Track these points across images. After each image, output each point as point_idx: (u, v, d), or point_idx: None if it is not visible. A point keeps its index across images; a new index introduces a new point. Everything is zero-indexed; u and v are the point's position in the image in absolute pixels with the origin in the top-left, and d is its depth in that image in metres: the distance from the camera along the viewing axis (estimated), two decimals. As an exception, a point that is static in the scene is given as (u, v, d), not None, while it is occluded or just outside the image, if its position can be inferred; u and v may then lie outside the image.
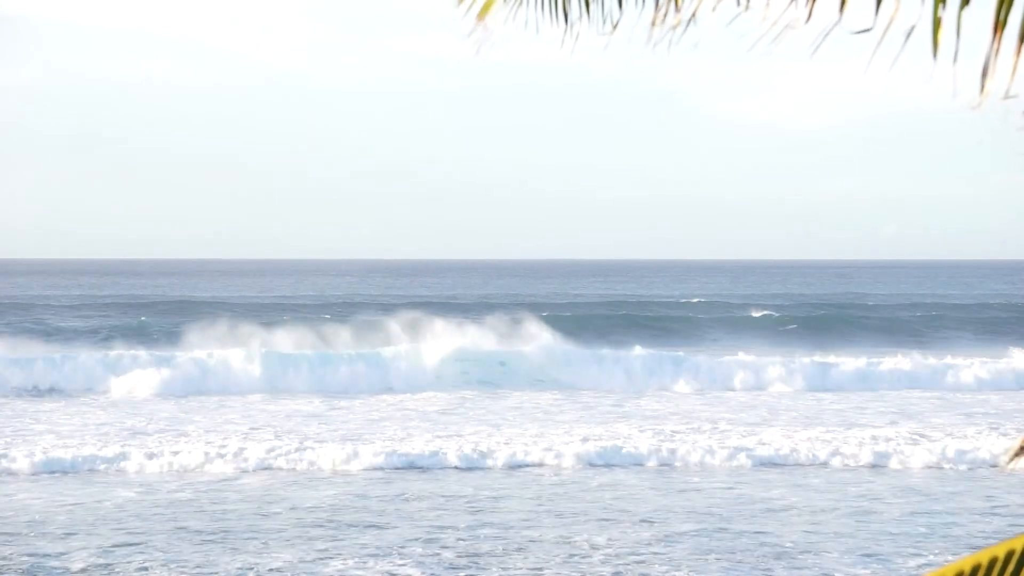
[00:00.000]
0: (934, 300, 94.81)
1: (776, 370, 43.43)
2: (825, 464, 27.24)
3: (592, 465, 27.06)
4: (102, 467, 26.42)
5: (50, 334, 54.95)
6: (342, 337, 48.58)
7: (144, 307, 75.53)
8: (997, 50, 4.33)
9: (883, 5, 4.38)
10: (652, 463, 27.19)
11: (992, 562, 3.64)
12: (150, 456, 27.04)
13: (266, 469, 26.49)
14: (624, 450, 27.86)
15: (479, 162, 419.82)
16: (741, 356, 45.18)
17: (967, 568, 3.65)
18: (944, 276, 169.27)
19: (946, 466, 27.02)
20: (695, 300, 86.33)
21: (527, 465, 26.96)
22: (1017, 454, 4.56)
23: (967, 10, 4.38)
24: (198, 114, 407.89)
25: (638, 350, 45.46)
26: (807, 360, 44.89)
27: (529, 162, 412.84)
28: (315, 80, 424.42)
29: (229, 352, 43.26)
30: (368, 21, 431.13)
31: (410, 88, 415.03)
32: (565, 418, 34.32)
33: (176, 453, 27.35)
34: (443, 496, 23.62)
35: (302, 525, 21.03)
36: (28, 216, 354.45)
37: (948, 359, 45.59)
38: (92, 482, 25.17)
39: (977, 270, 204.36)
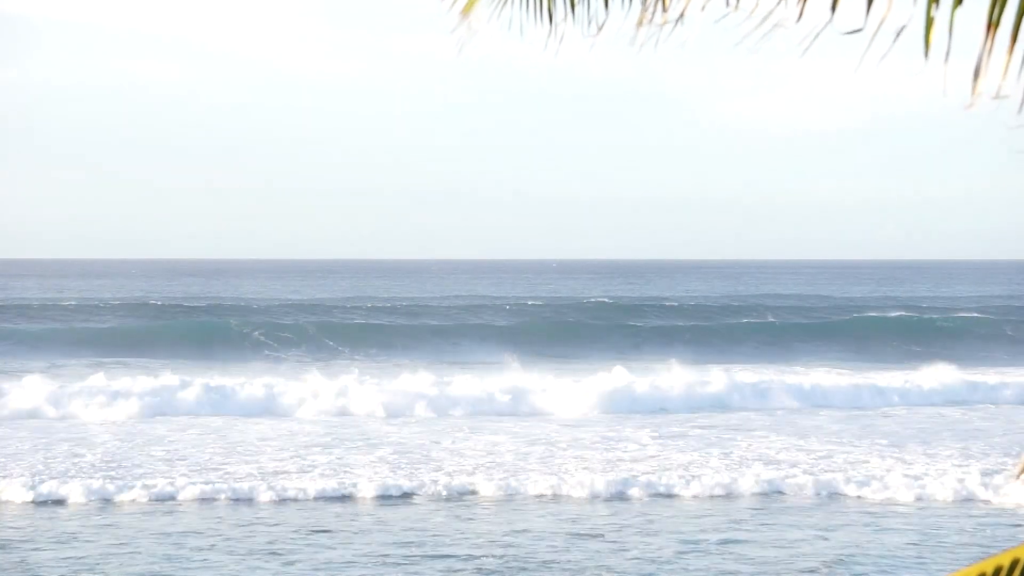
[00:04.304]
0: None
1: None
2: None
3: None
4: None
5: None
6: None
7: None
8: (990, 49, 4.30)
9: (875, 5, 4.34)
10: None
11: (997, 571, 3.61)
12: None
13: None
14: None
15: (480, 163, 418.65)
16: None
17: (972, 577, 3.62)
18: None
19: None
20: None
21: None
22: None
23: (959, 9, 4.35)
24: (198, 114, 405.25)
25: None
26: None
27: (528, 161, 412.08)
28: (315, 80, 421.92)
29: None
30: (368, 21, 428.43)
31: (409, 88, 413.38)
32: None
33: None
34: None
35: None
36: (27, 216, 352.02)
37: None
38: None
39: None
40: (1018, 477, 4.15)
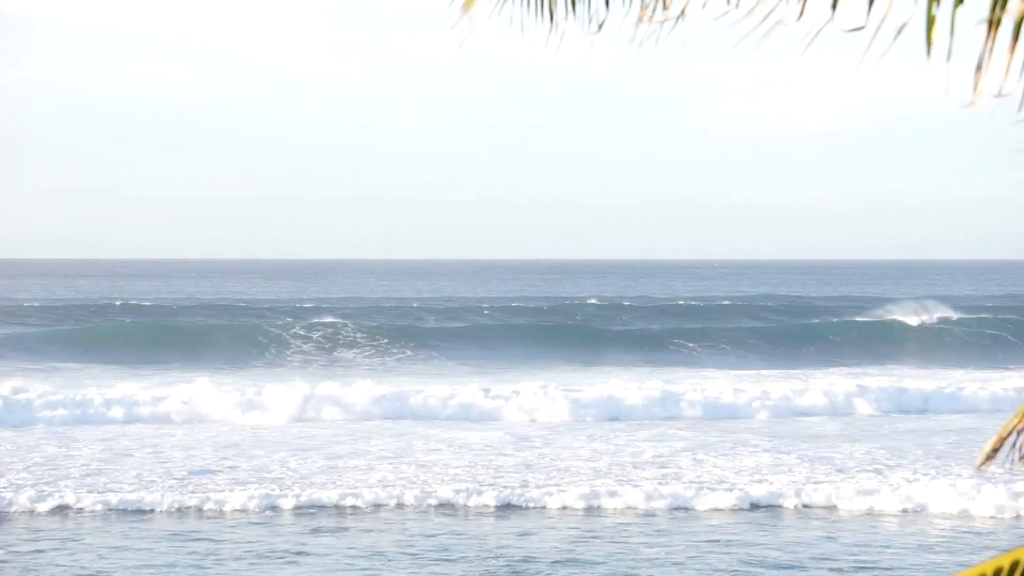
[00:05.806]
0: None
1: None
2: None
3: None
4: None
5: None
6: None
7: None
8: (991, 48, 4.28)
9: (876, 3, 4.32)
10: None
11: (997, 572, 3.59)
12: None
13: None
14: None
15: (479, 163, 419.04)
16: None
17: (972, 578, 3.61)
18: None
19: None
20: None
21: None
22: (989, 456, 4.54)
23: (960, 8, 4.33)
24: (199, 115, 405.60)
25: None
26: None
27: (528, 161, 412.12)
28: (317, 82, 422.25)
29: None
30: (370, 23, 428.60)
31: (410, 89, 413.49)
32: None
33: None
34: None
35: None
36: (28, 216, 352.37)
37: None
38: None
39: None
40: (977, 467, 4.13)
